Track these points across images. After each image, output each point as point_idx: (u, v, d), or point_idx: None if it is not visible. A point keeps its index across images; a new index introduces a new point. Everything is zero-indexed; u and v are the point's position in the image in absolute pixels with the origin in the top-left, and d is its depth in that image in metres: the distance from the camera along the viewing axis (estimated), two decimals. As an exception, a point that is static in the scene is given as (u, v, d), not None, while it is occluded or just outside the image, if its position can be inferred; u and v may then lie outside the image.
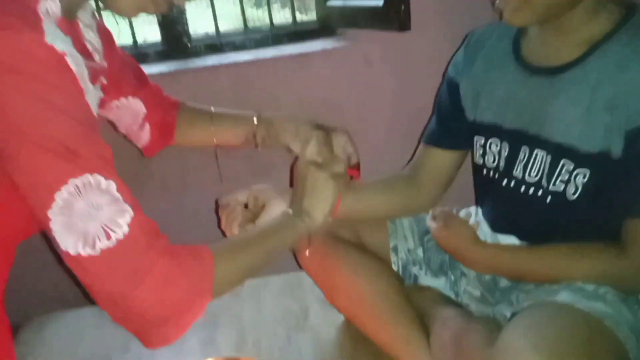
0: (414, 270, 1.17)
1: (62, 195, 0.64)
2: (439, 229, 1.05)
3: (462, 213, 1.17)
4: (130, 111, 1.09)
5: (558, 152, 0.92)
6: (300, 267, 1.24)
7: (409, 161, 1.25)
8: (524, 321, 0.82)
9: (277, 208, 1.01)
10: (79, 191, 0.65)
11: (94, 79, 0.80)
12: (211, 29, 1.77)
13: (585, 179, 0.89)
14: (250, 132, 1.14)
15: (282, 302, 1.34)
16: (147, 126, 1.11)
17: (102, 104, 0.98)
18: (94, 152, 0.68)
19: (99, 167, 0.67)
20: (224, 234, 1.06)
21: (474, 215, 1.15)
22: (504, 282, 1.06)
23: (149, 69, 1.60)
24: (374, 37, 1.56)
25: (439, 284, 1.16)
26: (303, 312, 1.29)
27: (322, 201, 0.94)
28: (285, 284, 1.41)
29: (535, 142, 0.95)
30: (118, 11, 0.81)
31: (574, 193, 0.91)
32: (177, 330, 0.73)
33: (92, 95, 0.78)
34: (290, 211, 0.93)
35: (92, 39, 0.89)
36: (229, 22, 2.02)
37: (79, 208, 0.64)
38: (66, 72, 0.67)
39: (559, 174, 0.92)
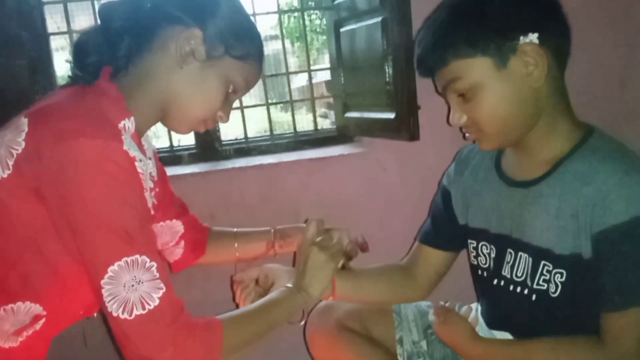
0: (418, 361, 1.24)
1: (114, 268, 0.79)
2: (439, 325, 1.14)
3: (464, 309, 1.25)
4: (170, 230, 1.26)
5: (538, 254, 1.02)
6: (312, 358, 1.32)
7: (407, 253, 1.36)
8: None
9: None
10: (128, 267, 0.80)
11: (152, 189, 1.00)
12: (240, 134, 1.95)
13: (563, 279, 0.98)
14: (270, 243, 1.30)
15: (294, 389, 1.39)
16: (182, 243, 1.27)
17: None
18: (145, 238, 0.84)
19: (147, 250, 0.83)
20: (237, 306, 1.17)
21: (475, 311, 1.24)
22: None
23: (183, 170, 1.78)
24: (388, 145, 1.71)
25: (442, 375, 1.23)
26: (313, 400, 1.34)
27: (320, 280, 1.08)
28: (297, 373, 1.46)
29: (518, 245, 1.06)
30: (175, 131, 1.03)
31: (555, 291, 1.00)
32: None
33: (149, 197, 0.95)
34: (291, 285, 1.06)
35: (151, 166, 1.07)
36: (259, 125, 2.20)
37: (125, 280, 0.80)
38: (135, 173, 0.85)
39: (541, 274, 1.02)
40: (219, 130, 1.89)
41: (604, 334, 0.95)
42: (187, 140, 1.94)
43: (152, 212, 1.04)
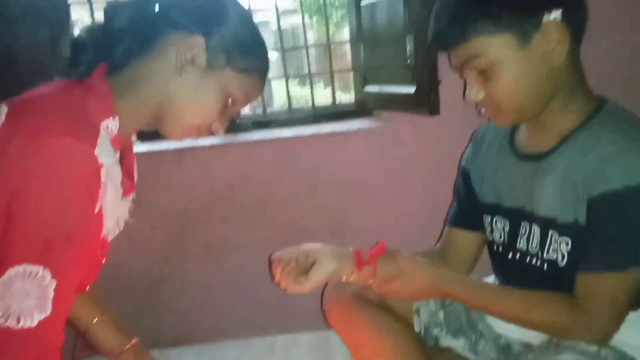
0: (435, 331, 1.24)
1: (11, 272, 0.75)
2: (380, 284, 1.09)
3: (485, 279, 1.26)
4: None
5: (545, 224, 1.03)
6: (328, 325, 1.33)
7: (439, 239, 1.35)
8: None
9: (326, 266, 1.09)
10: (24, 276, 0.75)
11: (126, 192, 0.95)
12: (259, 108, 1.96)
13: (569, 247, 0.99)
14: (120, 350, 1.17)
15: (311, 358, 1.41)
16: None
17: None
18: (64, 255, 0.79)
19: (56, 266, 0.78)
20: (278, 285, 1.14)
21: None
22: (517, 347, 1.14)
23: (202, 142, 1.79)
24: (407, 119, 1.71)
25: (458, 344, 1.23)
26: (330, 368, 1.36)
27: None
28: (314, 341, 1.48)
29: (531, 217, 1.07)
30: (168, 136, 0.99)
31: (562, 261, 1.01)
32: None
33: (117, 206, 0.92)
34: None
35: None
36: (277, 100, 2.21)
37: (15, 289, 0.75)
38: (95, 182, 0.81)
39: (550, 244, 1.03)
40: (237, 103, 1.90)
41: (580, 295, 0.95)
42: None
43: (118, 228, 0.99)
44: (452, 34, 0.98)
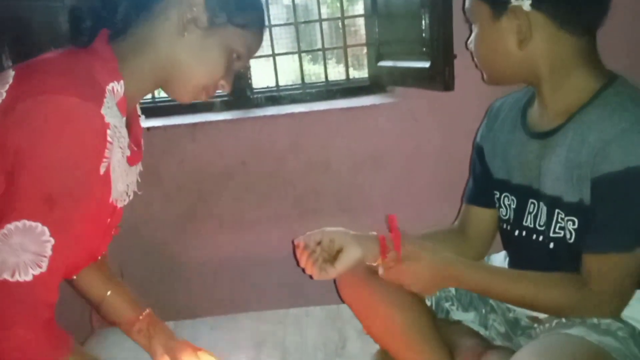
0: (446, 305, 1.26)
1: (10, 227, 0.77)
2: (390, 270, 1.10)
3: (494, 257, 1.27)
4: None
5: (551, 203, 1.04)
6: (341, 299, 1.35)
7: (457, 216, 1.36)
8: (536, 346, 0.91)
9: (353, 253, 1.11)
10: (23, 231, 0.77)
11: (132, 161, 0.97)
12: (272, 83, 1.95)
13: (576, 226, 1.00)
14: (134, 321, 1.21)
15: (323, 330, 1.42)
16: None
17: None
18: (65, 212, 0.80)
19: (56, 225, 0.79)
20: (303, 271, 1.17)
21: (504, 261, 1.24)
22: (524, 321, 1.15)
23: (216, 117, 1.80)
24: (421, 95, 1.69)
25: (469, 318, 1.25)
26: (341, 341, 1.37)
27: None
28: (326, 315, 1.49)
29: (538, 195, 1.08)
30: (176, 99, 1.01)
31: (570, 238, 1.01)
32: None
33: (124, 172, 0.94)
34: None
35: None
36: (287, 77, 2.20)
37: (13, 242, 0.77)
38: (101, 141, 0.83)
39: (556, 222, 1.04)
40: (250, 78, 1.90)
41: (584, 274, 0.98)
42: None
43: (128, 195, 1.00)
44: None
